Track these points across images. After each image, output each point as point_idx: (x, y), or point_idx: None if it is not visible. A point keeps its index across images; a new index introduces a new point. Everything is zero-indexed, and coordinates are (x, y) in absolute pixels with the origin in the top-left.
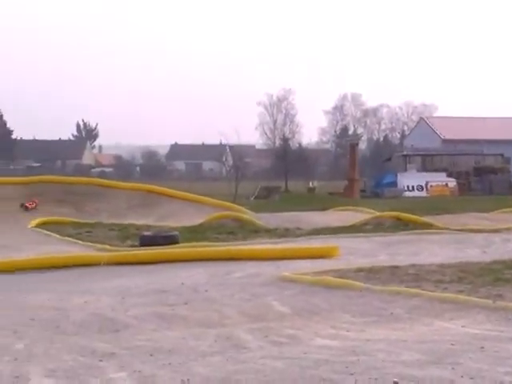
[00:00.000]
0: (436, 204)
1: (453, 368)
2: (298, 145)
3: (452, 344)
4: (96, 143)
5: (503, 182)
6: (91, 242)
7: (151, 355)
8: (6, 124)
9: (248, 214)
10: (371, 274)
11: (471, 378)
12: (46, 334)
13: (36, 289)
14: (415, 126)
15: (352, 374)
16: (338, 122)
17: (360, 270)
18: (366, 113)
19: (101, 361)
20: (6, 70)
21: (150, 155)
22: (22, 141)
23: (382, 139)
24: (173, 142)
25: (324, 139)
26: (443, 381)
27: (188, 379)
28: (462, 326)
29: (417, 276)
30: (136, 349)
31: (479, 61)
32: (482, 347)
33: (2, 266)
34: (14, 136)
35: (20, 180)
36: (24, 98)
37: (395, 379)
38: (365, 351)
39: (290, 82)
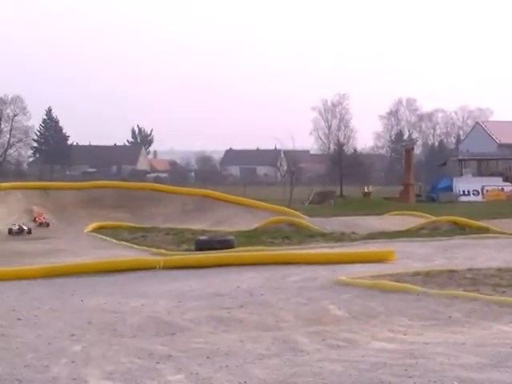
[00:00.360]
0: (492, 208)
1: None
2: (352, 150)
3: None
4: (151, 149)
5: None
6: (147, 246)
7: (208, 358)
8: (62, 130)
9: (303, 219)
10: (428, 278)
11: None
12: (103, 337)
13: (93, 292)
14: (470, 130)
15: (411, 377)
16: (392, 127)
17: (417, 273)
18: (420, 117)
19: (158, 363)
20: (60, 76)
21: (204, 160)
22: (77, 146)
23: (437, 144)
24: (227, 148)
25: (379, 144)
26: None
27: (245, 382)
28: None
29: (474, 280)
30: (193, 351)
31: None
32: None
33: (59, 271)
34: (69, 142)
35: (77, 185)
36: (80, 104)
37: (455, 382)
38: (423, 354)
39: (345, 86)
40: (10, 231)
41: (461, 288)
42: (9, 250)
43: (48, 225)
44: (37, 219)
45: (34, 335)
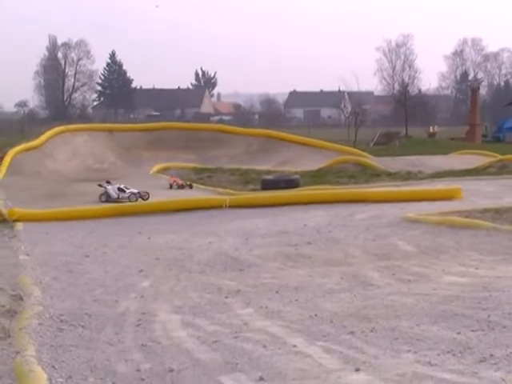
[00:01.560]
0: None
1: None
2: (417, 91)
3: None
4: (215, 91)
5: None
6: (212, 186)
7: (277, 292)
8: (125, 73)
9: (369, 159)
10: (498, 214)
11: None
12: (171, 273)
13: (160, 231)
14: None
15: (485, 309)
16: (457, 67)
17: (486, 210)
18: (486, 57)
19: (227, 297)
20: (124, 19)
21: (268, 103)
22: (141, 90)
23: (502, 84)
24: (291, 90)
25: (444, 85)
26: None
27: (316, 315)
28: None
29: None
30: (261, 286)
31: None
32: None
33: (127, 210)
34: (133, 85)
35: (142, 127)
36: (143, 47)
37: None
38: (496, 287)
39: (409, 27)
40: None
41: None
42: (76, 191)
43: (191, 186)
44: (174, 183)
45: (102, 271)
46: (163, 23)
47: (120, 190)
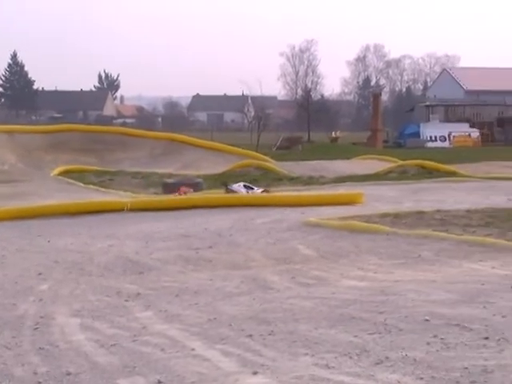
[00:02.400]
0: (459, 154)
1: (484, 307)
2: (320, 96)
3: (482, 284)
4: (118, 94)
5: None
6: (114, 189)
7: (177, 296)
8: (27, 74)
9: (271, 163)
10: (397, 219)
11: (503, 317)
12: (70, 276)
13: (60, 234)
14: (438, 77)
15: (382, 313)
16: (360, 73)
17: (386, 215)
18: (388, 64)
19: (126, 301)
20: (27, 20)
21: (171, 106)
22: (43, 92)
23: (404, 90)
24: (194, 93)
25: (346, 90)
26: (475, 319)
27: (215, 318)
28: (492, 268)
29: (443, 221)
30: (162, 290)
31: (502, 11)
32: None
33: (26, 212)
34: (35, 87)
35: (44, 129)
36: (45, 48)
37: (426, 317)
38: (394, 291)
39: (313, 32)
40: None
41: (430, 228)
42: None
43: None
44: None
45: (0, 274)
46: (66, 24)
47: (247, 187)
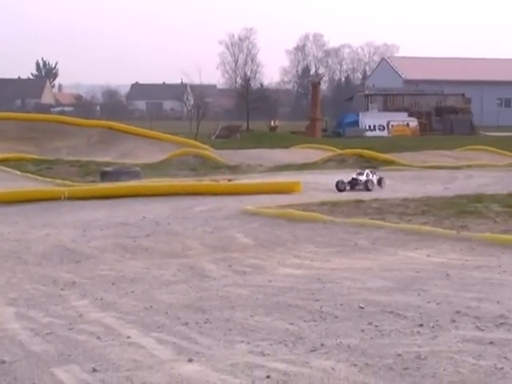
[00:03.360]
0: (397, 143)
1: (419, 294)
2: (259, 85)
3: (417, 272)
4: (56, 82)
5: (464, 121)
6: (51, 177)
7: (113, 284)
8: None
9: (210, 151)
10: (335, 207)
11: (438, 304)
12: (6, 265)
13: None
14: (377, 66)
15: (318, 301)
16: (299, 62)
17: (324, 203)
18: (327, 53)
19: (62, 290)
20: None
21: (110, 94)
22: None
23: (343, 80)
24: (133, 82)
25: (285, 79)
26: (409, 306)
27: (151, 306)
28: (427, 256)
29: (380, 209)
30: (98, 278)
31: (441, 1)
32: (448, 274)
33: None
34: None
35: None
36: None
37: (361, 304)
38: (330, 279)
39: (252, 21)
40: None
41: (367, 217)
42: None
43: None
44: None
45: None
46: (2, 10)
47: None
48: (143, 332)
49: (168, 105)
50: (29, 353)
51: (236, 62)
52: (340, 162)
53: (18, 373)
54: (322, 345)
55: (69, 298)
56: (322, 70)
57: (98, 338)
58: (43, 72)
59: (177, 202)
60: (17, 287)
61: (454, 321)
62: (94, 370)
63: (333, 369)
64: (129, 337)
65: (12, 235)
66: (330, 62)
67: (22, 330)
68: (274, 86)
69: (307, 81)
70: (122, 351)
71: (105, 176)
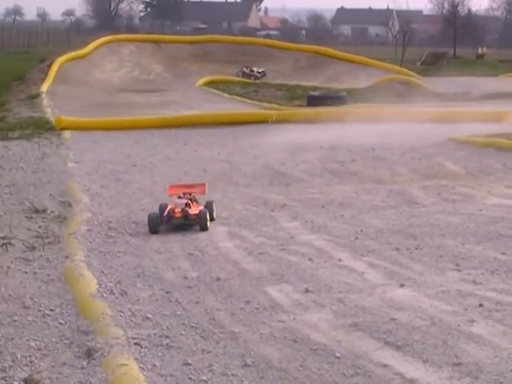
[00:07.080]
0: None
1: None
2: (466, 11)
3: None
4: (262, 6)
5: None
6: (258, 101)
7: (323, 207)
8: None
9: (416, 78)
10: None
11: None
12: (218, 185)
13: (205, 143)
14: None
15: None
16: None
17: None
18: None
19: (273, 211)
20: None
21: (315, 19)
22: (189, 2)
23: None
24: (339, 6)
25: (494, 6)
26: None
27: (361, 230)
28: None
29: None
30: (307, 201)
31: None
32: None
33: (173, 121)
34: None
35: (190, 39)
36: None
37: None
38: None
39: None
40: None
41: None
42: (123, 101)
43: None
44: None
45: (149, 181)
46: None
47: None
48: (354, 256)
49: (373, 30)
50: (242, 271)
51: None
52: None
53: (232, 290)
54: None
55: (279, 219)
56: None
57: (310, 259)
58: None
59: (381, 128)
60: (228, 207)
61: None
62: (307, 291)
63: None
64: (340, 260)
65: (222, 156)
66: None
67: (235, 248)
68: (482, 12)
69: None
70: (333, 273)
71: (311, 100)
